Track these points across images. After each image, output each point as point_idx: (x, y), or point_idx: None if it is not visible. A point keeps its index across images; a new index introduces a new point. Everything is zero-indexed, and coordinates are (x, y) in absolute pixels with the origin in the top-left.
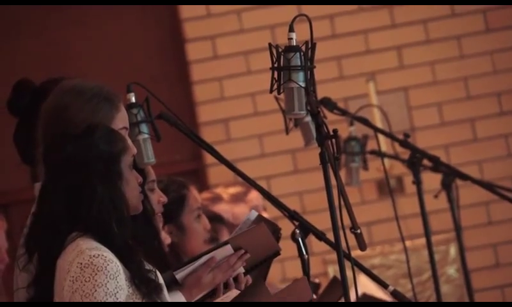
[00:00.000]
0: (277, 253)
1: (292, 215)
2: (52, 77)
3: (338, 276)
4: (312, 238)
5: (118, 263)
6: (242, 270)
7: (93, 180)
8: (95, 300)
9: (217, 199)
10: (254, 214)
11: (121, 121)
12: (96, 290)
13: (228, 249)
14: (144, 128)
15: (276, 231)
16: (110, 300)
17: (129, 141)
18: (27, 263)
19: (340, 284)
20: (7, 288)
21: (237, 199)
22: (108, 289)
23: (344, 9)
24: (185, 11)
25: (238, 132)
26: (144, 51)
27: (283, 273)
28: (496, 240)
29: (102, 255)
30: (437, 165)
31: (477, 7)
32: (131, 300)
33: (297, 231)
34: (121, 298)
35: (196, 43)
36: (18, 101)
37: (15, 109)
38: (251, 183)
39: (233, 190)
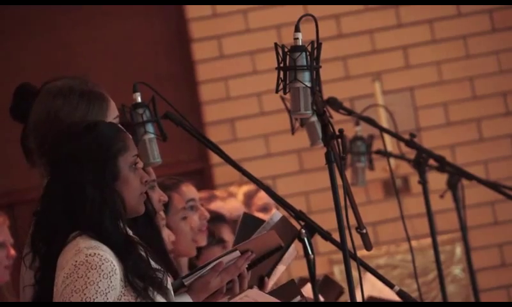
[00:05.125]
0: (279, 247)
1: (298, 215)
2: (55, 78)
3: (344, 276)
4: (317, 238)
5: (115, 262)
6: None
7: (85, 180)
8: (85, 297)
9: (212, 197)
10: (278, 215)
11: (113, 111)
12: (87, 287)
13: (235, 254)
14: (150, 127)
15: (294, 236)
16: (100, 298)
17: (131, 140)
18: (33, 261)
19: (332, 282)
20: (15, 285)
21: (248, 197)
22: (99, 287)
23: (350, 9)
24: (191, 10)
25: (244, 132)
26: (150, 51)
27: (288, 273)
28: (502, 240)
29: (99, 254)
30: (443, 165)
31: (483, 7)
32: (122, 300)
33: (303, 231)
34: (112, 298)
35: (202, 42)
36: (20, 106)
37: (19, 114)
38: (257, 183)
39: (246, 188)
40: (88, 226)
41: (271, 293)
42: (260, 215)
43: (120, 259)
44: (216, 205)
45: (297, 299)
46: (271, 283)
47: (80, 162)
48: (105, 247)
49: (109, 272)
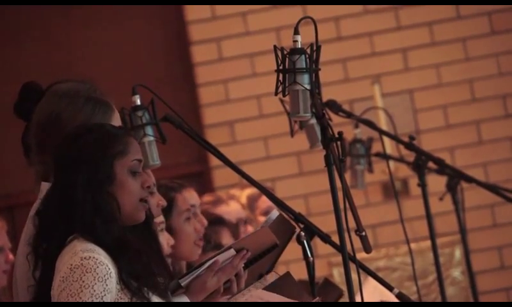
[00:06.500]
0: (275, 245)
1: (297, 218)
2: (59, 80)
3: (343, 278)
4: (317, 241)
5: (110, 266)
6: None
7: (77, 182)
8: (80, 301)
9: (218, 201)
10: (275, 214)
11: (117, 120)
12: (82, 291)
13: (231, 253)
14: (149, 130)
15: (292, 233)
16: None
17: (134, 145)
18: (36, 261)
19: (331, 285)
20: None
21: (251, 200)
22: (95, 291)
23: (349, 12)
24: (191, 13)
25: (243, 134)
26: (149, 53)
27: None
28: (501, 242)
29: (94, 257)
30: (442, 167)
31: (482, 9)
32: (118, 300)
33: (302, 234)
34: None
35: (202, 45)
36: (25, 104)
37: (23, 112)
38: (256, 185)
39: (249, 191)
40: (82, 228)
41: (269, 287)
42: (264, 218)
43: (115, 261)
44: (221, 210)
45: (316, 298)
46: None
47: (76, 163)
48: (100, 250)
49: (104, 276)
